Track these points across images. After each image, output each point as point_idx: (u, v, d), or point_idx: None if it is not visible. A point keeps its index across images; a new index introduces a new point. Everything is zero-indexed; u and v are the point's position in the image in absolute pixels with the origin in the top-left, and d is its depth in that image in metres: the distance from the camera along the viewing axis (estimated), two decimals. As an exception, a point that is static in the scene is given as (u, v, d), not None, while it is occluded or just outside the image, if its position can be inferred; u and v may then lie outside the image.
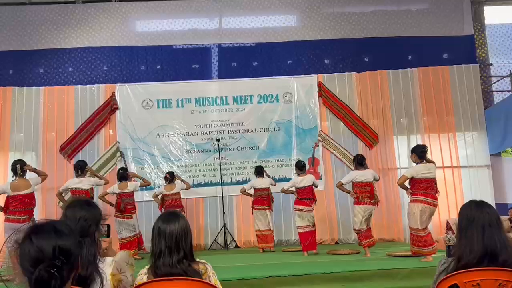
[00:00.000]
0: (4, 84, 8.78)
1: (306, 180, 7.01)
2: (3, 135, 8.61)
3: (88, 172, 7.39)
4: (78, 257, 1.48)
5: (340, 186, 6.56)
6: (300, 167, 7.16)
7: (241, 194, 8.01)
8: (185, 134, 8.98)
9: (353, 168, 6.98)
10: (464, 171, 8.90)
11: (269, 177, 7.87)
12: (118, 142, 8.76)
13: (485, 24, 9.82)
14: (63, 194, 6.97)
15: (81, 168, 6.90)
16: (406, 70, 9.18)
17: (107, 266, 2.08)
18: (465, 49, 9.35)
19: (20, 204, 5.97)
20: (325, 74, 9.23)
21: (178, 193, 7.66)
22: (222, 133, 8.95)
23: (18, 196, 5.98)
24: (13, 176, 6.16)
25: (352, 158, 7.47)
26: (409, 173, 5.97)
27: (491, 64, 9.75)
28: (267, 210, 7.61)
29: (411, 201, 5.88)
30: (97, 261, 1.99)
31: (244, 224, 8.63)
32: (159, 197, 7.71)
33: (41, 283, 1.34)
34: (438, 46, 9.27)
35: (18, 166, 6.06)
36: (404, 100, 9.09)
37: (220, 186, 8.41)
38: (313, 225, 6.92)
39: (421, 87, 9.10)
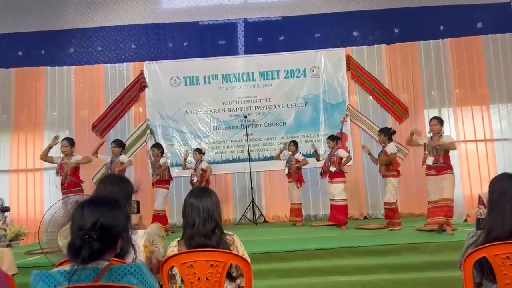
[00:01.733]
0: (37, 64, 8.99)
1: None
2: (38, 115, 8.89)
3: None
4: (118, 238, 1.53)
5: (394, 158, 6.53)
6: (337, 140, 7.36)
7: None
8: (213, 111, 9.03)
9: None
10: (497, 144, 8.67)
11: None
12: (148, 120, 8.92)
13: (523, -10, 9.34)
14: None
15: (124, 147, 7.31)
16: (437, 41, 8.88)
17: (139, 238, 2.17)
18: (500, 18, 8.92)
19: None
20: (353, 47, 9.04)
21: None
22: (249, 109, 8.97)
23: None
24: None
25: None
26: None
27: (529, 33, 9.29)
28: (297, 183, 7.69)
29: (451, 173, 5.82)
30: (130, 234, 2.06)
31: (272, 199, 8.73)
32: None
33: (73, 249, 1.43)
34: (471, 15, 8.89)
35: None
36: (436, 72, 8.84)
37: (248, 162, 8.50)
38: None
39: (453, 59, 8.81)
